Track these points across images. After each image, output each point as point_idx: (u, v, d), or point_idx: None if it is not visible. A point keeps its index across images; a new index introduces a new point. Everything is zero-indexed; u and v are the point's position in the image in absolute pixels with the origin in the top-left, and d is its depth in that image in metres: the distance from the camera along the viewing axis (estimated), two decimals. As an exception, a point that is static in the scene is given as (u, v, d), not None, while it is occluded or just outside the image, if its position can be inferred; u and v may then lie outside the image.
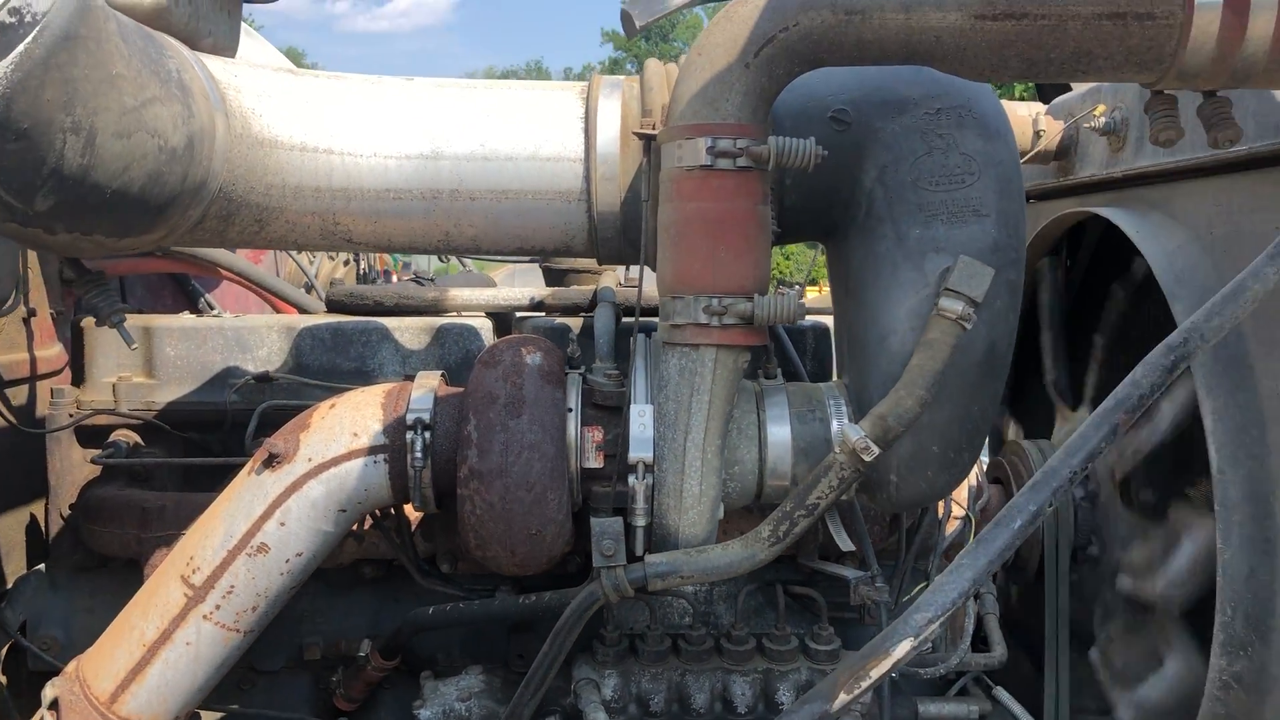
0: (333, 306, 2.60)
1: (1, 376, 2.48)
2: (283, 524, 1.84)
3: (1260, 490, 1.99)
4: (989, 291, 1.76)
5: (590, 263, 3.25)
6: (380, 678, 2.23)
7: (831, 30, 1.64)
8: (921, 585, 2.31)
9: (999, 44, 1.63)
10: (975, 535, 2.43)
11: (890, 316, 1.82)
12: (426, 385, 1.89)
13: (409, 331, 2.38)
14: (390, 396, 1.89)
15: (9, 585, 2.49)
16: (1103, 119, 2.53)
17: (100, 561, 2.40)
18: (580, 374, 1.93)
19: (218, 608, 1.85)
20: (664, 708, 2.11)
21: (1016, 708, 2.26)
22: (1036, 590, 2.64)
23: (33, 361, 2.62)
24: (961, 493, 2.50)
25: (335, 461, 1.84)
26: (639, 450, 1.77)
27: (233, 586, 1.85)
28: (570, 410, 1.85)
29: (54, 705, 1.86)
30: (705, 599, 2.33)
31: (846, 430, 1.73)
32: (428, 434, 1.83)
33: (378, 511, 2.10)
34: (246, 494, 1.87)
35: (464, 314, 2.59)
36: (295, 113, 1.82)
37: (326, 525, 1.86)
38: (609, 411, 1.89)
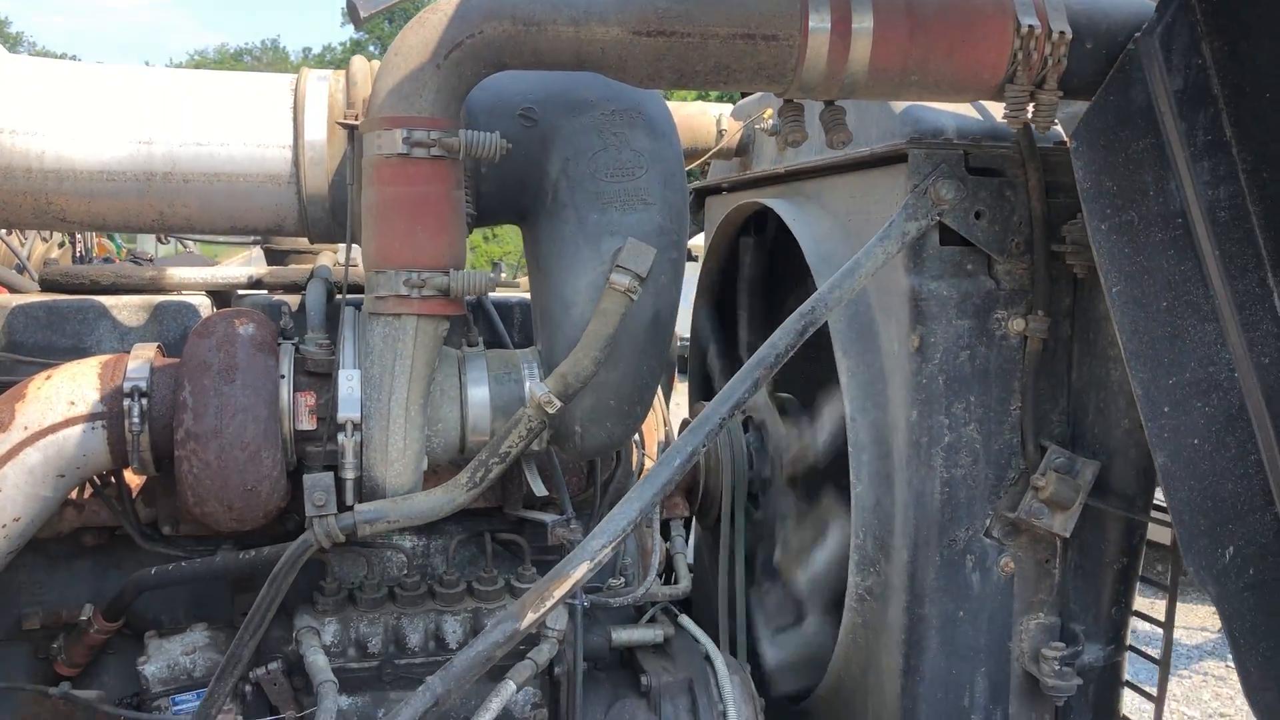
0: (47, 286, 2.63)
1: None
2: (-1, 490, 1.92)
3: (883, 434, 2.40)
4: (654, 268, 2.06)
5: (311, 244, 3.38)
6: (103, 640, 2.32)
7: (511, 39, 1.88)
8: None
9: (653, 57, 1.92)
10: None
11: (572, 290, 2.10)
12: (143, 356, 2.01)
13: (127, 309, 2.46)
14: (107, 367, 2.00)
15: None
16: (770, 121, 2.90)
17: None
18: (293, 344, 2.10)
19: (-69, 575, 1.91)
20: (381, 649, 2.31)
21: (696, 630, 2.60)
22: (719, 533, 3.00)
23: None
24: (654, 447, 2.83)
25: (53, 429, 1.93)
26: (347, 410, 1.97)
27: (-53, 553, 1.91)
28: (283, 377, 2.02)
29: None
30: (423, 552, 2.55)
31: (533, 387, 1.99)
32: (145, 400, 1.95)
33: (98, 479, 2.19)
34: (-41, 464, 1.93)
35: (183, 292, 2.68)
36: (4, 96, 1.90)
37: (45, 490, 1.95)
38: (320, 378, 2.07)
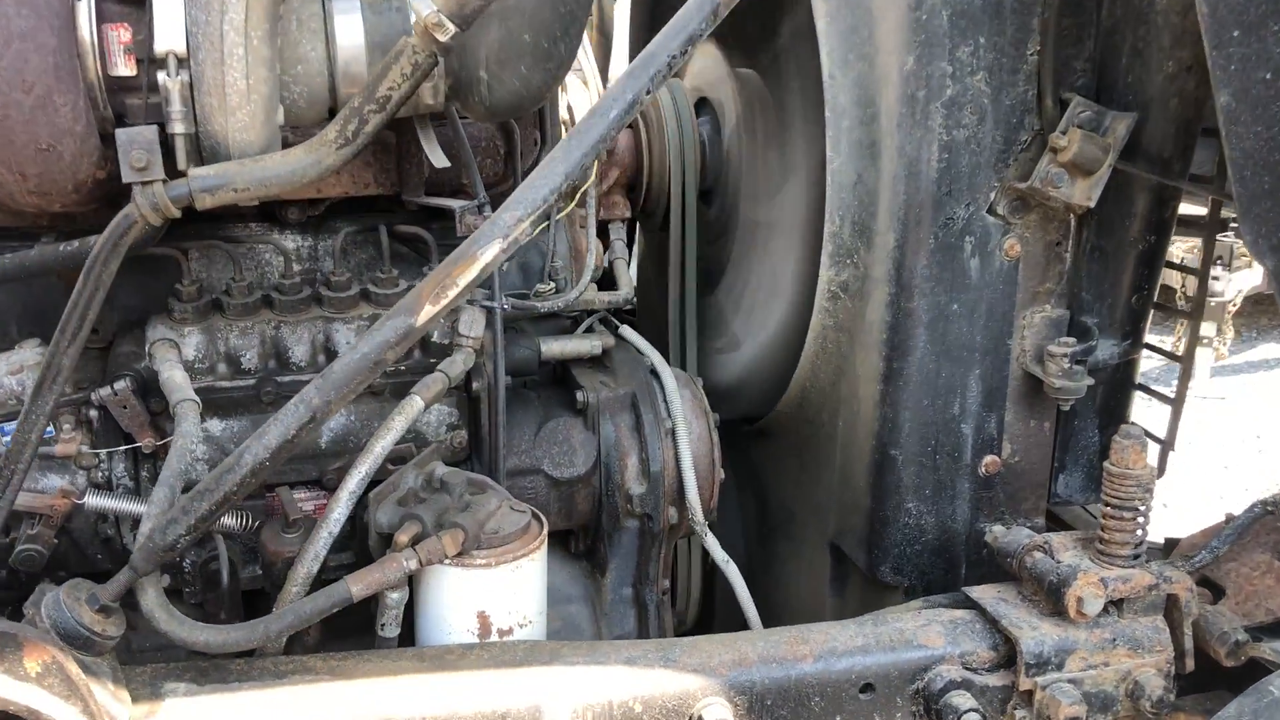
0: None
1: None
2: None
3: (867, 94, 1.95)
4: None
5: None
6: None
7: None
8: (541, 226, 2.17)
9: None
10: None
11: None
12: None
13: None
14: None
15: None
16: None
17: None
18: None
19: None
20: (258, 364, 1.90)
21: (639, 340, 2.22)
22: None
23: None
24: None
25: None
26: (167, 40, 1.47)
27: None
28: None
29: None
30: (309, 255, 2.10)
31: (416, 6, 1.49)
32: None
33: None
34: None
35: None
36: None
37: None
38: (136, 6, 1.55)
